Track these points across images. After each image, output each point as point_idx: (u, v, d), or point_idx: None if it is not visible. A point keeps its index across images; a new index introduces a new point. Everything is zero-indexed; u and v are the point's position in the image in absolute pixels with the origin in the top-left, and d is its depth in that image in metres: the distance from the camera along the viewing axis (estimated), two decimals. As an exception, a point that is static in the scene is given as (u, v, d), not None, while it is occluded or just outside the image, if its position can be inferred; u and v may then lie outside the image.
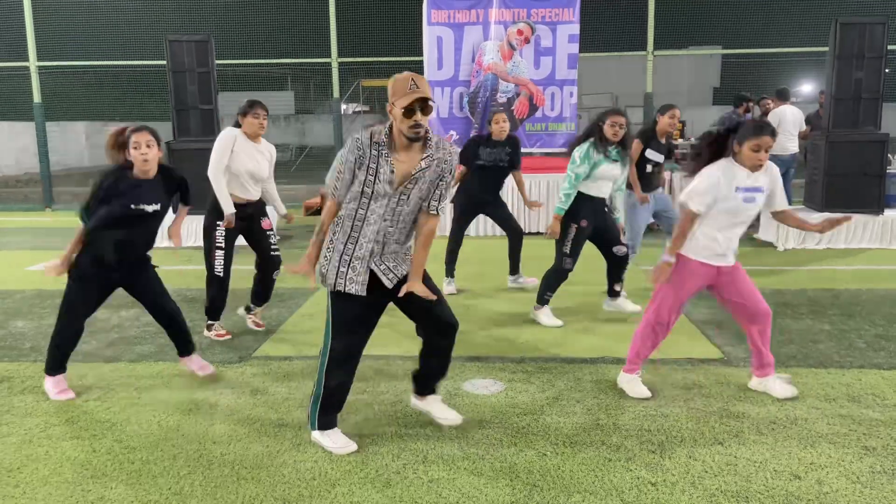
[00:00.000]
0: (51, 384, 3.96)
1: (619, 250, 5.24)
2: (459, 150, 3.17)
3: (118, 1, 14.90)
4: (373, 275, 3.11)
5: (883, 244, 8.08)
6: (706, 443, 3.30)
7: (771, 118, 9.16)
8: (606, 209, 5.24)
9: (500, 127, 5.92)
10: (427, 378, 3.50)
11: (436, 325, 3.26)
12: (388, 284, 3.12)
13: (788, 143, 9.04)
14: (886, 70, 8.30)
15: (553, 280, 5.24)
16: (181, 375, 4.25)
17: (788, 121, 9.06)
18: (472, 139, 6.19)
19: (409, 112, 2.94)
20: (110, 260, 3.80)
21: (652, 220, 6.17)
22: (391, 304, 3.27)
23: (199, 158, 8.79)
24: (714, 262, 3.68)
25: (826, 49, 8.42)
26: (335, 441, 3.28)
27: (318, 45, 12.81)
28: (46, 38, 13.09)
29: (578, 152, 5.02)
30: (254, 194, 4.89)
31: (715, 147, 3.66)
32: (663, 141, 5.88)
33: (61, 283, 3.92)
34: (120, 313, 5.66)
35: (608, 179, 5.09)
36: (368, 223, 3.07)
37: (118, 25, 14.86)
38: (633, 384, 3.89)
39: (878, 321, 5.18)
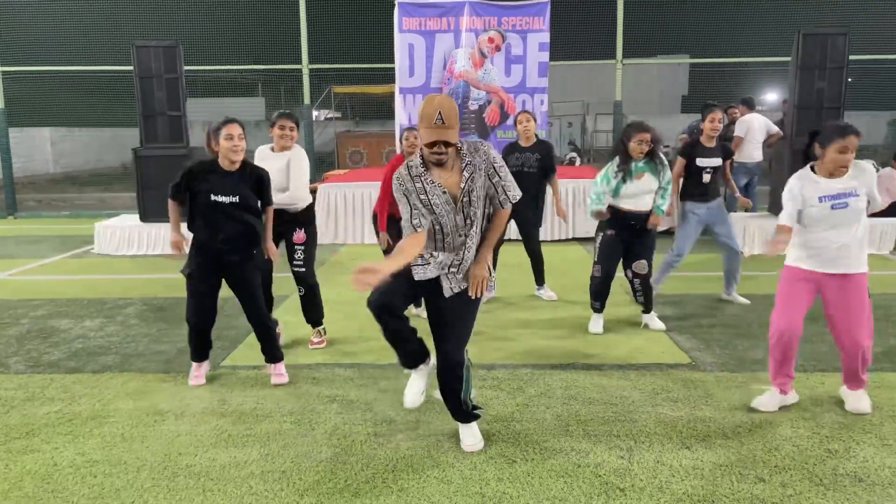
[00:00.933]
0: (192, 371, 4.29)
1: (627, 273, 5.20)
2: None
3: (84, 5, 14.67)
4: (436, 281, 3.24)
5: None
6: (674, 447, 3.33)
7: (738, 127, 9.31)
8: (650, 227, 5.09)
9: (524, 127, 5.88)
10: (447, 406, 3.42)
11: (438, 352, 3.26)
12: (447, 293, 3.23)
13: (755, 152, 9.19)
14: (849, 80, 8.50)
15: (591, 287, 5.28)
16: (146, 386, 4.18)
17: (756, 129, 9.22)
18: (507, 146, 6.12)
19: (430, 144, 3.01)
20: (208, 246, 4.03)
21: (703, 234, 5.92)
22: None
23: (168, 165, 8.74)
24: (817, 268, 3.59)
25: (790, 59, 8.60)
26: (408, 387, 3.41)
27: (289, 51, 12.75)
28: (10, 42, 12.85)
29: (600, 173, 5.05)
30: (284, 202, 4.72)
31: (802, 159, 3.65)
32: (712, 145, 5.68)
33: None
34: (84, 323, 5.56)
35: (640, 195, 4.99)
36: (448, 235, 3.19)
37: (84, 30, 14.62)
38: (763, 397, 3.80)
39: (841, 325, 5.27)
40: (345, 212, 9.36)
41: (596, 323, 5.27)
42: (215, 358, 4.67)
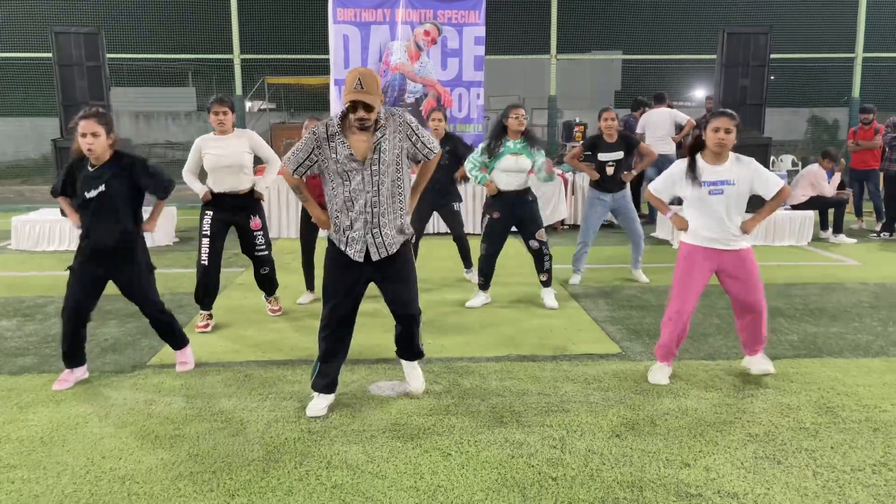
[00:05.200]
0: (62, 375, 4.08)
1: (532, 244, 5.59)
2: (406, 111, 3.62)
3: (-1, -12, 13.91)
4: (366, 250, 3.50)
5: (767, 241, 8.59)
6: (604, 436, 3.40)
7: (639, 123, 9.59)
8: (530, 199, 5.51)
9: (435, 126, 6.09)
10: (400, 351, 3.90)
11: (396, 313, 3.70)
12: (375, 256, 3.50)
13: (658, 145, 9.41)
14: (771, 77, 8.84)
15: (481, 264, 5.67)
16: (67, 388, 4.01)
17: (656, 124, 9.47)
18: None
19: (352, 107, 3.29)
20: (84, 247, 3.91)
21: (611, 219, 6.42)
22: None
23: (90, 157, 8.29)
24: (711, 245, 3.91)
25: (715, 56, 8.88)
26: (313, 403, 3.64)
27: (221, 41, 12.40)
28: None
29: (479, 146, 5.57)
30: (232, 185, 4.99)
31: (695, 146, 3.93)
32: (613, 140, 6.14)
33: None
34: (0, 322, 5.29)
35: (514, 171, 5.40)
36: (356, 199, 3.41)
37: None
38: (654, 371, 4.12)
39: (762, 314, 5.50)
40: (278, 205, 9.20)
41: (476, 298, 5.73)
42: (142, 357, 4.52)
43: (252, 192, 5.12)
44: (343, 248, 3.50)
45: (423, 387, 3.89)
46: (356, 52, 10.29)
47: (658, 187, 4.07)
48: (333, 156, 3.37)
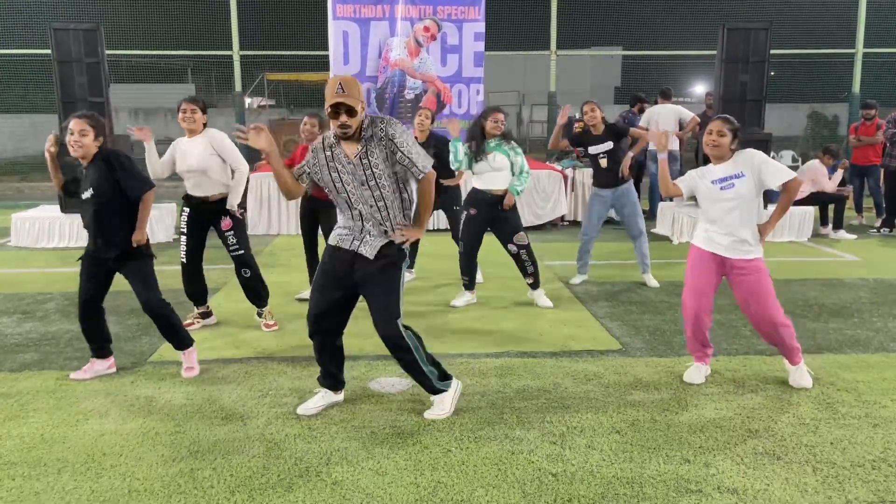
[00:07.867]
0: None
1: (510, 248, 5.54)
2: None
3: (-2, -16, 13.88)
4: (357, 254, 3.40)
5: (766, 237, 8.57)
6: (604, 432, 3.41)
7: (644, 118, 9.58)
8: (500, 207, 5.41)
9: (419, 121, 6.04)
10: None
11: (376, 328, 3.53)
12: (368, 254, 3.37)
13: None
14: (771, 73, 8.82)
15: (460, 264, 5.65)
16: (67, 384, 4.01)
17: (661, 118, 9.47)
18: None
19: (333, 114, 3.20)
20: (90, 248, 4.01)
21: (612, 216, 6.34)
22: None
23: (89, 154, 8.23)
24: (714, 249, 3.88)
25: (715, 52, 8.86)
26: (311, 398, 3.67)
27: (220, 37, 12.38)
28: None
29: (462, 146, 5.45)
30: (202, 191, 4.85)
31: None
32: (599, 132, 5.99)
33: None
34: (0, 319, 5.29)
35: (491, 173, 5.35)
36: (354, 206, 3.36)
37: (-2, 10, 13.82)
38: (688, 371, 4.09)
39: (762, 310, 5.50)
40: (277, 202, 9.19)
41: (461, 297, 5.68)
42: (142, 353, 4.53)
43: (224, 199, 4.89)
44: (335, 243, 3.46)
45: (438, 415, 3.56)
46: (356, 49, 10.27)
47: (684, 186, 4.05)
48: (333, 164, 3.31)
